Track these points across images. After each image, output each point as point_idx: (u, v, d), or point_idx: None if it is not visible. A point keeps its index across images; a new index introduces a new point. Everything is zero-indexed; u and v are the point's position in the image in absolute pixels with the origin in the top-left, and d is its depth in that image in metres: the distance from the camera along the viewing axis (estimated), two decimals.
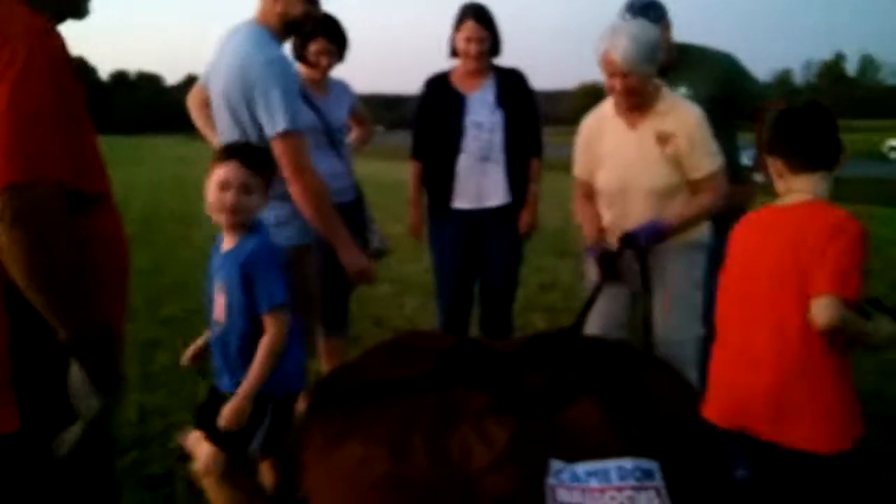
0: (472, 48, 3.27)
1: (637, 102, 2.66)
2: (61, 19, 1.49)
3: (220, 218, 2.19)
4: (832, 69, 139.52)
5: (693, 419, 1.84)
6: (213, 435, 2.11)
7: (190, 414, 3.28)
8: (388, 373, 2.01)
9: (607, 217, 2.86)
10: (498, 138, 3.32)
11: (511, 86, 3.40)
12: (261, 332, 2.10)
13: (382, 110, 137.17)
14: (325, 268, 2.91)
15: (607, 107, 2.83)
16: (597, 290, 2.65)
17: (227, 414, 2.00)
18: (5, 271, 1.26)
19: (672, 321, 2.71)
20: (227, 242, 2.23)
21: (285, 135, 2.46)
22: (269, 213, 2.62)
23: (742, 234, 2.03)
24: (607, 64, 2.59)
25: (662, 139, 2.64)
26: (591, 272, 2.83)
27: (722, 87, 3.09)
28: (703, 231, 2.81)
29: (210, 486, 2.17)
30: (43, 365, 1.36)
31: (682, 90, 3.07)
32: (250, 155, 2.21)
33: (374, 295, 5.62)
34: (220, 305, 2.21)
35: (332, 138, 3.26)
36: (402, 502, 1.65)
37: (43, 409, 1.38)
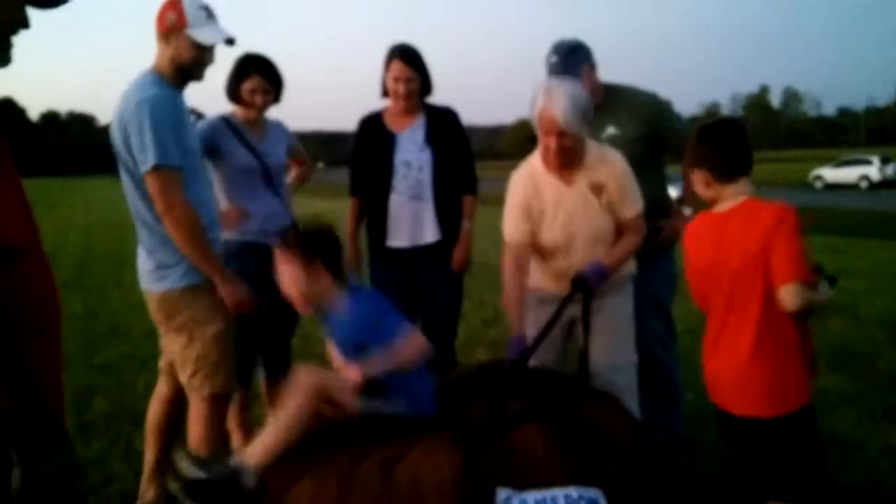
0: (401, 88, 3.27)
1: (570, 160, 2.69)
2: None
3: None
4: (758, 101, 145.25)
5: (634, 447, 1.87)
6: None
7: (127, 464, 3.18)
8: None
9: (543, 270, 2.88)
10: (427, 176, 3.32)
11: (441, 124, 3.40)
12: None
13: (322, 148, 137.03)
14: (264, 312, 2.87)
15: (535, 164, 2.81)
16: (549, 326, 2.64)
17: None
18: None
19: (610, 351, 2.77)
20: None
21: (155, 170, 2.47)
22: (149, 260, 2.64)
23: (693, 242, 2.24)
24: (546, 122, 2.59)
25: (597, 189, 2.72)
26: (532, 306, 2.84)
27: (648, 125, 3.15)
28: (632, 265, 2.91)
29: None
30: None
31: (611, 129, 3.14)
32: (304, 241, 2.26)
33: (319, 336, 5.55)
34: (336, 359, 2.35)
35: (270, 179, 3.24)
36: None
37: None
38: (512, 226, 2.80)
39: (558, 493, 1.70)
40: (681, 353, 3.46)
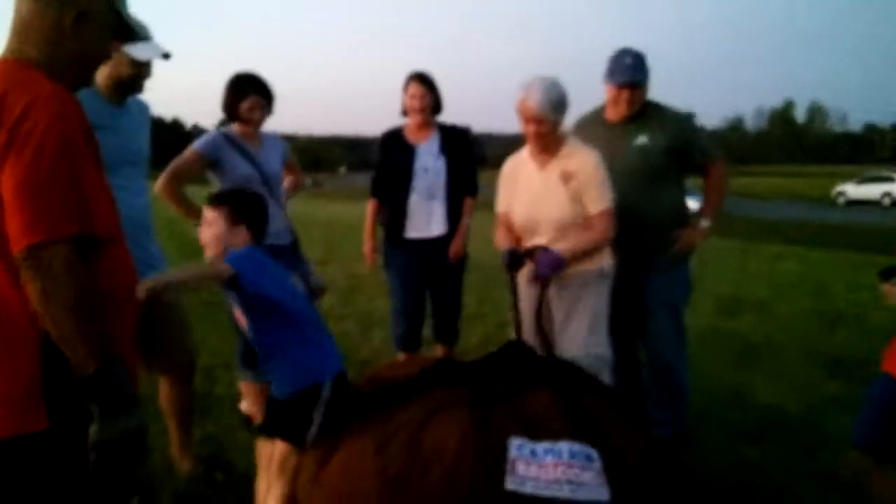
0: (416, 104, 3.90)
1: (545, 146, 3.02)
2: (75, 89, 1.69)
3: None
4: (782, 116, 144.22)
5: (622, 416, 2.11)
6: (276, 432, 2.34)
7: (166, 437, 3.41)
8: (375, 388, 2.20)
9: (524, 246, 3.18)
10: (441, 180, 3.92)
11: (452, 138, 4.01)
12: (269, 334, 2.32)
13: (345, 152, 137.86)
14: None
15: (525, 150, 3.19)
16: (512, 284, 2.99)
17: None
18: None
19: (577, 341, 2.99)
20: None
21: None
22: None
23: None
24: (523, 110, 2.95)
25: (566, 178, 3.00)
26: (522, 288, 3.10)
27: (676, 140, 3.36)
28: (605, 261, 3.09)
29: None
30: (69, 369, 1.52)
31: (642, 139, 3.36)
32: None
33: (341, 330, 5.80)
34: (242, 322, 2.43)
35: (268, 186, 3.52)
36: (387, 494, 1.84)
37: (69, 410, 1.55)
38: (499, 197, 3.29)
39: (563, 445, 1.92)
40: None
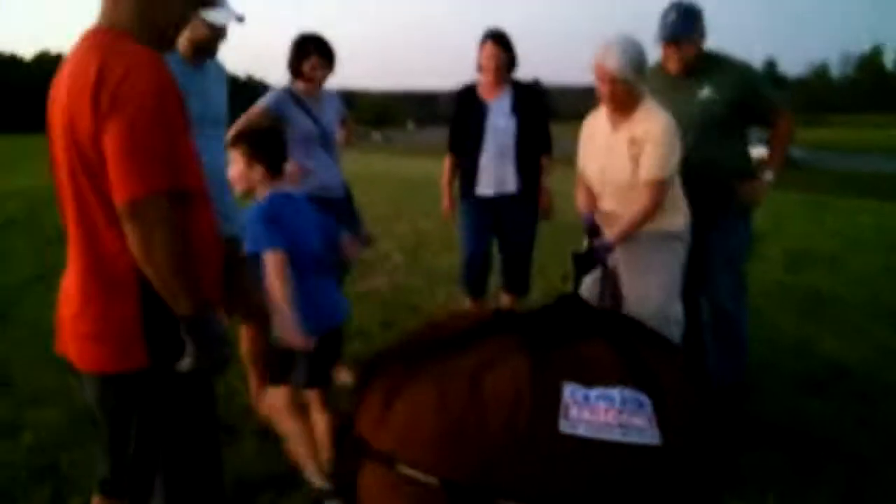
0: (491, 63, 3.96)
1: (620, 106, 3.00)
2: (161, 53, 1.84)
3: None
4: (870, 62, 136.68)
5: (680, 369, 2.19)
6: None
7: (244, 384, 3.64)
8: (435, 337, 2.33)
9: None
10: (511, 139, 3.98)
11: (525, 96, 4.05)
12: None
13: (413, 107, 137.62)
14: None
15: (604, 109, 3.16)
16: (577, 284, 3.06)
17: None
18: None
19: (647, 301, 3.01)
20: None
21: None
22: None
23: None
24: (599, 70, 2.94)
25: (632, 142, 2.99)
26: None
27: (740, 92, 3.34)
28: (678, 222, 3.10)
29: (278, 421, 2.69)
30: (167, 313, 1.69)
31: (707, 91, 3.36)
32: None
33: (409, 285, 6.00)
34: None
35: (326, 141, 3.73)
36: (449, 436, 1.97)
37: (167, 350, 1.73)
38: (579, 154, 3.29)
39: (615, 391, 2.01)
40: (750, 309, 3.64)
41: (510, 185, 4.03)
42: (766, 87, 3.58)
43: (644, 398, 2.02)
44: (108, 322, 1.72)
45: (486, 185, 4.05)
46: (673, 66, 3.37)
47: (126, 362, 1.73)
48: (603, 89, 2.97)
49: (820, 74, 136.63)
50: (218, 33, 3.03)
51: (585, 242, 3.20)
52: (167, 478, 1.91)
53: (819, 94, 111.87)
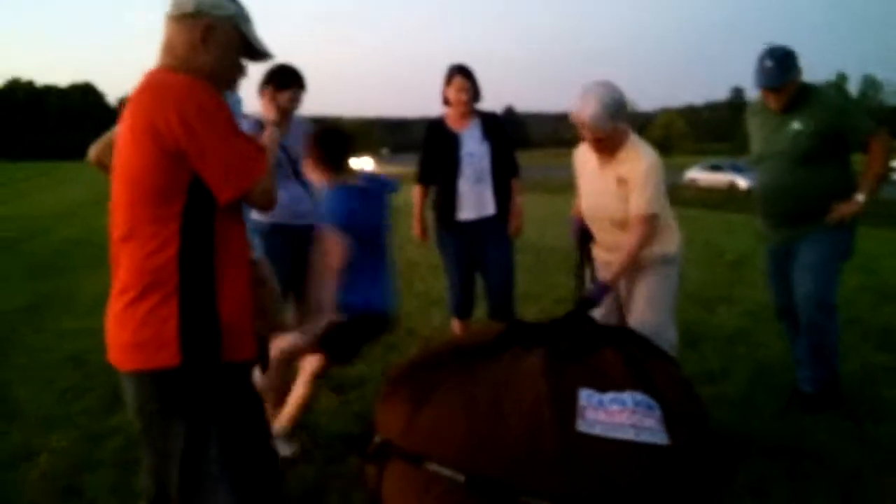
0: (462, 97, 4.15)
1: (603, 149, 3.15)
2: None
3: None
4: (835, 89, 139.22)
5: (680, 378, 2.38)
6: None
7: None
8: (457, 349, 2.47)
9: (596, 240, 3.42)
10: (486, 164, 4.18)
11: (491, 124, 4.27)
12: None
13: (387, 134, 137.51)
14: (287, 286, 3.46)
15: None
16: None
17: None
18: (184, 235, 1.80)
19: (640, 321, 3.14)
20: None
21: None
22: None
23: None
24: (578, 122, 3.06)
25: (620, 181, 3.13)
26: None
27: (827, 125, 3.50)
28: (669, 248, 3.25)
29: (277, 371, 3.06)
30: (202, 314, 1.81)
31: (795, 125, 3.54)
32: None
33: (404, 309, 6.11)
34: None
35: (295, 169, 3.72)
36: (474, 441, 2.10)
37: (200, 350, 1.81)
38: (577, 175, 3.44)
39: (627, 394, 2.18)
40: (843, 319, 3.74)
41: (489, 207, 4.20)
42: (856, 115, 3.68)
43: (653, 402, 2.19)
44: (146, 322, 1.80)
45: (467, 210, 4.20)
46: (774, 106, 3.58)
47: (158, 360, 1.79)
48: (585, 135, 3.10)
49: None
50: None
51: (577, 255, 3.43)
52: (221, 486, 1.89)
53: None
